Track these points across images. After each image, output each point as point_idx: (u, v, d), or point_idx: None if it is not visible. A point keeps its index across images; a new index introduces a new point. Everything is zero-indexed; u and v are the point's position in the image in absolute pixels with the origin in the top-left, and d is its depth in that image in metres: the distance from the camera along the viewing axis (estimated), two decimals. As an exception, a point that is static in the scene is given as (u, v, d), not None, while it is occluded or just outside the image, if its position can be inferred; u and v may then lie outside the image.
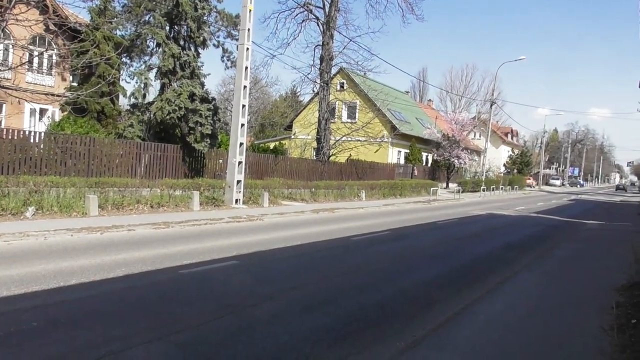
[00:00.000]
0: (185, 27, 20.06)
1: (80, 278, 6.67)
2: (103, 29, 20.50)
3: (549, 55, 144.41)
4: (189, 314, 5.53)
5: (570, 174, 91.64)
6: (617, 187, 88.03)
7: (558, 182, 77.15)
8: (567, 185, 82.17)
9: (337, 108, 34.43)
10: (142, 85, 19.40)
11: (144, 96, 19.79)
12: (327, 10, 26.46)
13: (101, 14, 20.65)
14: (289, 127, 42.49)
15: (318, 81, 27.50)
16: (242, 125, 17.13)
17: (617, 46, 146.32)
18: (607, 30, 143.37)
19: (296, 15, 26.92)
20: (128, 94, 20.74)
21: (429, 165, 43.47)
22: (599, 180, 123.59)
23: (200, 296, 6.38)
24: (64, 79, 22.22)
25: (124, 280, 6.79)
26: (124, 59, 22.31)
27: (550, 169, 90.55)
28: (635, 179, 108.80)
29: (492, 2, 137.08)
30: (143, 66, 20.65)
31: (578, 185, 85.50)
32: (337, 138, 29.65)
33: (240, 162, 16.98)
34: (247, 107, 17.51)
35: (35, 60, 19.25)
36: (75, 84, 22.00)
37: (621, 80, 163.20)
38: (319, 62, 26.97)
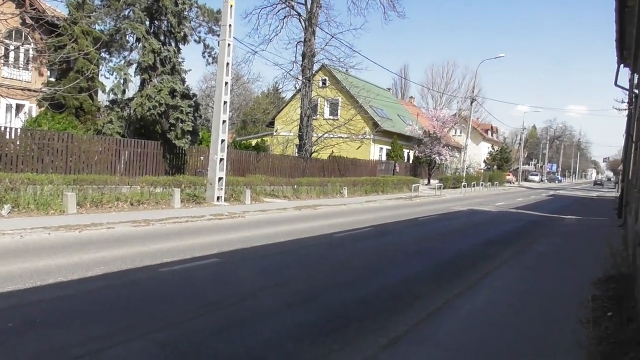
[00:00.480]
0: (165, 22, 19.80)
1: (58, 277, 6.55)
2: (81, 23, 20.12)
3: (528, 53, 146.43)
4: (169, 312, 5.48)
5: (548, 170, 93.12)
6: (595, 183, 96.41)
7: (537, 178, 78.36)
8: (546, 181, 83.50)
9: (319, 105, 34.42)
10: (122, 81, 19.06)
11: (124, 92, 19.47)
12: (309, 6, 26.38)
13: (79, 7, 20.24)
14: (271, 124, 42.34)
15: (300, 78, 27.43)
16: (224, 121, 17.00)
17: (594, 45, 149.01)
18: (585, 30, 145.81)
19: (278, 11, 26.82)
20: (107, 89, 20.34)
21: (411, 161, 43.73)
22: (577, 176, 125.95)
23: (181, 294, 6.32)
24: (41, 74, 21.78)
25: (102, 278, 6.69)
26: (103, 54, 21.92)
27: (529, 165, 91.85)
28: (611, 174, 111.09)
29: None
30: (123, 61, 20.29)
31: (556, 181, 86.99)
32: (320, 135, 29.64)
33: (221, 159, 16.86)
34: (228, 103, 17.39)
35: (12, 54, 18.80)
36: (52, 79, 21.56)
37: (598, 78, 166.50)
38: (301, 59, 26.90)
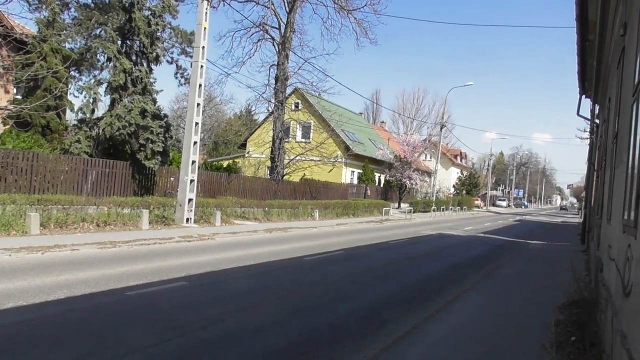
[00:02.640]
0: (138, 42, 19.71)
1: (18, 301, 6.31)
2: (51, 41, 19.81)
3: (496, 82, 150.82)
4: (134, 337, 5.33)
5: (515, 195, 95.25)
6: (561, 207, 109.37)
7: (504, 203, 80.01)
8: (513, 206, 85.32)
9: (291, 127, 34.57)
10: (91, 100, 18.80)
11: (93, 111, 19.18)
12: (282, 31, 26.71)
13: (49, 25, 19.97)
14: (243, 146, 42.23)
15: (273, 100, 27.57)
16: (195, 142, 16.89)
17: (559, 76, 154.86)
18: (550, 61, 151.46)
19: (252, 34, 27.07)
20: (76, 108, 19.98)
21: (382, 185, 44.15)
22: (542, 202, 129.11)
23: (147, 318, 6.17)
24: (7, 92, 21.26)
25: (65, 302, 6.47)
26: (72, 73, 21.63)
27: (497, 190, 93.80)
28: (574, 200, 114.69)
29: (441, 28, 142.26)
30: (93, 80, 20.05)
31: (523, 207, 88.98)
32: (292, 157, 29.70)
33: (192, 180, 16.70)
34: (200, 124, 17.31)
35: (-24, 71, 18.39)
36: (19, 97, 21.08)
37: (562, 108, 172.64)
38: (274, 82, 27.09)
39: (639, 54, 3.98)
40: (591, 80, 12.05)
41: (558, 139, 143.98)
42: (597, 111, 15.41)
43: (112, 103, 19.36)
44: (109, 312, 6.35)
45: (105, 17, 20.92)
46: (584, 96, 14.64)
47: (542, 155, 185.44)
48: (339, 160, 36.85)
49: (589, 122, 18.63)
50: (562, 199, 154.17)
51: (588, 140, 21.53)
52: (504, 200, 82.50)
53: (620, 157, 5.28)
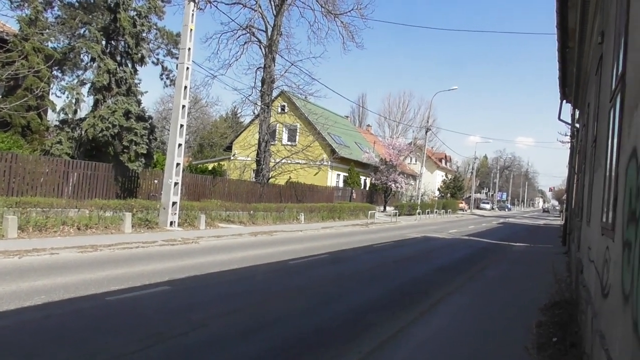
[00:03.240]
0: (123, 42, 19.54)
1: (-5, 306, 6.19)
2: (33, 40, 19.53)
3: (481, 86, 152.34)
4: (114, 344, 5.25)
5: (499, 198, 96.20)
6: (543, 210, 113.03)
7: (488, 206, 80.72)
8: (496, 209, 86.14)
9: (277, 130, 34.53)
10: (74, 101, 18.58)
11: (75, 112, 18.95)
12: (269, 33, 26.66)
13: (31, 24, 19.69)
14: (229, 148, 42.04)
15: (259, 103, 27.50)
16: (180, 145, 16.77)
17: (541, 81, 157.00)
18: (533, 66, 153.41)
19: (238, 37, 26.95)
20: (58, 109, 19.74)
21: (367, 188, 44.26)
22: (525, 205, 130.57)
23: (128, 324, 6.08)
24: (-14, 91, 20.92)
25: (43, 308, 6.35)
26: (55, 72, 21.35)
27: (480, 193, 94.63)
28: (556, 203, 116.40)
29: (426, 33, 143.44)
30: (76, 81, 19.84)
31: (506, 209, 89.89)
32: (277, 160, 29.64)
33: (176, 183, 16.57)
34: (185, 126, 17.19)
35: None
36: (-1, 97, 20.74)
37: (544, 112, 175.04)
38: (260, 84, 27.02)
39: (616, 61, 4.05)
40: (571, 86, 12.24)
41: (540, 143, 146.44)
42: (577, 116, 15.65)
43: (96, 104, 19.16)
44: (89, 318, 6.25)
45: (90, 16, 20.71)
46: (564, 101, 14.86)
47: (525, 158, 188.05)
48: (325, 163, 36.90)
49: (570, 127, 18.90)
50: (544, 202, 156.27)
51: (569, 144, 21.85)
52: (487, 203, 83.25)
53: (599, 161, 5.36)
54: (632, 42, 3.17)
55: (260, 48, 27.31)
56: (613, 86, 4.11)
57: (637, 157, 2.63)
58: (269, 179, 28.04)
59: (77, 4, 21.35)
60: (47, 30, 21.00)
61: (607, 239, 3.92)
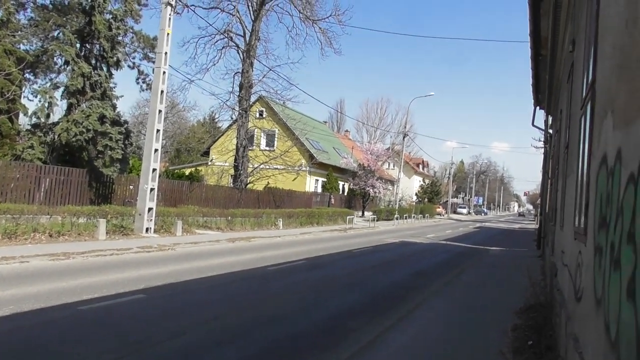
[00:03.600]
0: (98, 45, 19.25)
1: (-39, 317, 5.99)
2: (4, 41, 19.13)
3: (457, 92, 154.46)
4: (87, 355, 5.13)
5: (475, 202, 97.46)
6: (519, 214, 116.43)
7: (465, 211, 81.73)
8: (473, 213, 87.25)
9: (255, 136, 34.37)
10: (47, 104, 18.19)
11: (48, 116, 18.56)
12: (247, 38, 26.61)
13: (3, 26, 19.28)
14: (206, 154, 41.69)
15: (237, 108, 27.36)
16: (156, 150, 16.56)
17: (516, 88, 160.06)
18: (507, 74, 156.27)
19: (216, 41, 26.82)
20: (30, 112, 19.33)
21: (346, 194, 44.36)
22: (501, 209, 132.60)
23: (101, 334, 5.95)
24: (-46, 94, 20.36)
25: (11, 319, 6.15)
26: (27, 75, 20.93)
27: (457, 198, 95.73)
28: (531, 207, 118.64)
29: (403, 40, 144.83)
30: (49, 84, 19.47)
31: (482, 214, 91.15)
32: (256, 166, 29.51)
33: (152, 189, 16.34)
34: (161, 131, 17.00)
35: None
36: (-32, 100, 20.21)
37: (519, 118, 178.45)
38: (238, 89, 26.91)
39: (586, 69, 4.14)
40: (544, 92, 12.50)
41: (515, 148, 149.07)
42: (550, 122, 15.98)
43: (69, 108, 18.81)
44: (61, 329, 6.09)
45: (64, 19, 20.37)
46: (538, 107, 15.16)
47: (501, 163, 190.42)
48: (303, 168, 36.86)
49: (543, 132, 19.27)
50: (519, 206, 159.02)
51: (543, 150, 22.27)
52: (464, 207, 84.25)
53: (571, 167, 5.47)
54: (601, 51, 3.24)
55: (238, 53, 27.27)
56: (584, 94, 4.20)
57: (608, 164, 2.68)
58: (247, 184, 27.89)
59: (50, 6, 21.00)
60: (19, 33, 20.59)
61: (580, 243, 3.99)
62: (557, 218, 8.52)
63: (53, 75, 20.33)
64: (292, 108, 35.54)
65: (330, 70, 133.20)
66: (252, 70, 26.90)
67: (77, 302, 7.20)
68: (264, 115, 37.14)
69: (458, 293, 10.53)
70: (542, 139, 22.38)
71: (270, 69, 27.12)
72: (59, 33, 20.35)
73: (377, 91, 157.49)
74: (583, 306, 3.53)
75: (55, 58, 19.78)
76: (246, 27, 26.74)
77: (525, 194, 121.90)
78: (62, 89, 18.85)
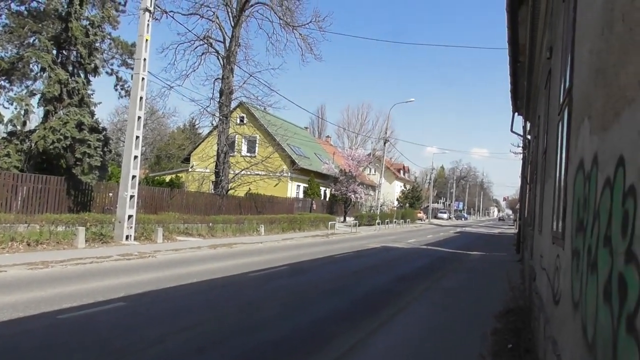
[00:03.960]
0: (75, 52, 18.98)
1: None
2: (-22, 48, 18.76)
3: (437, 98, 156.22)
4: (66, 364, 5.04)
5: (455, 208, 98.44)
6: (499, 219, 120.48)
7: (445, 216, 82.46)
8: (453, 218, 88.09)
9: (236, 142, 34.27)
10: (23, 112, 17.86)
11: (24, 124, 18.23)
12: (227, 44, 26.54)
13: (-23, 33, 18.92)
14: (187, 160, 41.39)
15: (217, 114, 27.24)
16: (136, 157, 16.39)
17: (495, 94, 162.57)
18: (487, 80, 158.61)
19: (196, 47, 26.69)
20: (5, 120, 18.93)
21: (327, 199, 44.44)
22: (481, 214, 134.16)
23: (81, 343, 5.85)
24: None
25: (-11, 329, 6.04)
26: (2, 83, 20.49)
27: (438, 203, 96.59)
28: (510, 212, 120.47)
29: (382, 46, 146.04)
30: (25, 91, 19.08)
31: (463, 219, 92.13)
32: (237, 172, 29.39)
33: (132, 196, 16.15)
34: (141, 138, 16.83)
35: None
36: (-60, 107, 19.71)
37: (498, 124, 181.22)
38: (218, 95, 26.79)
39: (563, 76, 4.24)
40: (523, 98, 12.73)
41: (495, 154, 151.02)
42: (528, 128, 16.26)
43: (46, 115, 18.50)
44: (40, 338, 5.97)
45: (40, 25, 20.03)
46: (516, 113, 15.42)
47: (480, 169, 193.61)
48: (285, 174, 36.82)
49: (522, 138, 19.60)
50: (499, 211, 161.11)
51: (521, 155, 22.64)
52: (445, 212, 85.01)
53: (549, 172, 5.58)
54: (578, 58, 3.32)
55: (218, 59, 27.15)
56: (561, 100, 4.30)
57: (584, 169, 2.75)
58: (228, 190, 27.75)
59: (26, 12, 20.62)
60: (-7, 39, 20.19)
61: (558, 247, 4.06)
62: (535, 223, 8.67)
63: (29, 83, 19.95)
64: (273, 114, 35.51)
65: (311, 76, 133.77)
66: (233, 76, 26.84)
67: (56, 311, 7.07)
68: (244, 121, 37.05)
69: (439, 298, 10.62)
70: (521, 145, 22.77)
71: (251, 75, 27.11)
72: (34, 40, 20.02)
73: (358, 97, 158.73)
74: (561, 309, 3.59)
75: (31, 65, 19.42)
76: (226, 33, 26.71)
77: (504, 199, 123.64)
78: (38, 96, 18.54)
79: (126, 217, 15.93)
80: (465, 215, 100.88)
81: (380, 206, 47.43)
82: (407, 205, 63.61)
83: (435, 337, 7.23)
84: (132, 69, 18.26)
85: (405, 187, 72.72)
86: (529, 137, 16.27)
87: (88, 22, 19.01)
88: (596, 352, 2.13)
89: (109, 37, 21.57)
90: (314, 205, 38.95)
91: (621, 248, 1.81)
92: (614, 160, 1.99)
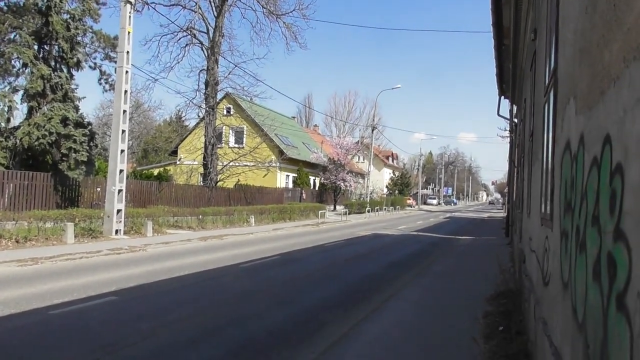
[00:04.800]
0: (56, 47, 18.69)
1: None
2: (-43, 45, 18.40)
3: (423, 84, 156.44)
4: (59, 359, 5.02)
5: (445, 193, 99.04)
6: (489, 202, 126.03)
7: (435, 202, 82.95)
8: (443, 204, 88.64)
9: (224, 133, 34.08)
10: (6, 109, 17.62)
11: (8, 120, 17.98)
12: (211, 35, 26.28)
13: (-45, 29, 18.55)
14: (174, 153, 41.09)
15: (203, 106, 27.04)
16: (122, 151, 16.24)
17: (481, 78, 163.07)
18: (472, 63, 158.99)
19: (179, 39, 26.39)
20: (-11, 117, 18.65)
21: (317, 188, 44.45)
22: (470, 199, 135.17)
23: (72, 338, 5.82)
24: None
25: (-21, 327, 5.98)
26: (-17, 79, 20.18)
27: (427, 189, 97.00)
28: (499, 196, 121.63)
29: (368, 32, 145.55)
30: (7, 88, 18.81)
31: (452, 204, 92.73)
32: (225, 163, 29.26)
33: (120, 190, 16.03)
34: (127, 132, 16.66)
35: None
36: None
37: (484, 108, 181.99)
38: (204, 87, 26.58)
39: (548, 57, 4.25)
40: (508, 82, 12.77)
41: (482, 138, 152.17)
42: (515, 111, 16.33)
43: (30, 111, 18.25)
44: (31, 335, 5.94)
45: (20, 20, 19.71)
46: (502, 97, 15.47)
47: (468, 153, 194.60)
48: (273, 164, 36.75)
49: (509, 122, 19.68)
50: (487, 195, 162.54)
51: (508, 139, 22.75)
52: (434, 198, 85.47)
53: (536, 155, 5.61)
54: (562, 38, 3.32)
55: (202, 50, 26.89)
56: (546, 81, 4.31)
57: (571, 150, 2.76)
58: (217, 182, 27.64)
59: (5, 8, 20.27)
60: (-27, 35, 19.82)
61: (546, 229, 4.09)
62: (524, 205, 8.74)
63: (11, 79, 19.68)
64: (260, 104, 35.40)
65: (297, 65, 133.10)
66: (218, 67, 26.62)
67: (47, 306, 7.03)
68: (231, 112, 36.84)
69: (430, 283, 10.71)
70: (508, 128, 22.87)
71: (236, 66, 26.90)
72: (15, 35, 19.68)
73: (345, 84, 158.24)
74: (551, 290, 3.62)
75: (12, 61, 19.15)
76: (209, 23, 26.43)
77: (493, 183, 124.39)
78: (21, 92, 18.29)
79: (115, 211, 15.82)
80: (455, 200, 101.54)
81: (370, 194, 47.56)
82: (397, 192, 63.82)
83: (427, 321, 7.29)
84: (116, 62, 18.03)
85: (394, 174, 72.92)
86: (515, 120, 16.34)
87: (69, 16, 18.71)
88: (586, 331, 2.15)
89: (90, 30, 21.29)
90: (304, 195, 38.95)
91: (609, 227, 1.82)
92: (601, 139, 2.00)
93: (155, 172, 31.47)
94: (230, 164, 29.58)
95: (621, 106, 1.72)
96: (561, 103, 3.27)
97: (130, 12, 16.40)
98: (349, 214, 35.14)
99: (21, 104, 18.45)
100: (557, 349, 3.07)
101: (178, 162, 37.25)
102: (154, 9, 24.18)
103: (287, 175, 41.69)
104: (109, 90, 24.32)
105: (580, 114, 2.48)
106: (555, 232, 3.46)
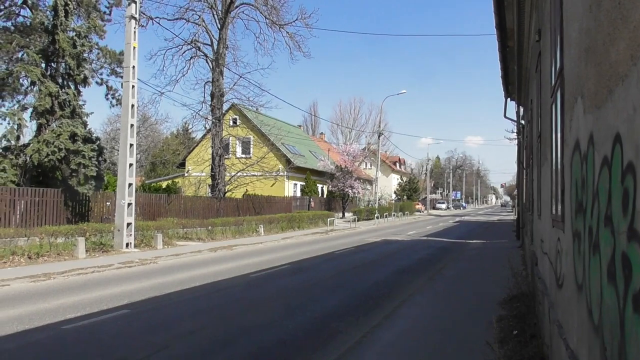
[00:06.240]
0: (63, 64, 18.90)
1: (-61, 347, 5.81)
2: (-33, 66, 18.66)
3: (429, 88, 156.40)
4: (73, 375, 5.02)
5: (453, 197, 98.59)
6: (501, 205, 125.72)
7: (444, 206, 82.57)
8: (452, 208, 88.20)
9: (230, 144, 34.21)
10: (16, 127, 17.80)
11: (18, 138, 18.15)
12: (215, 47, 26.45)
13: (-36, 50, 18.81)
14: (182, 165, 41.29)
15: (210, 117, 27.16)
16: (131, 165, 16.34)
17: (487, 80, 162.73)
18: (478, 67, 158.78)
19: (184, 52, 26.58)
20: (-1, 136, 18.85)
21: (325, 196, 44.41)
22: (479, 202, 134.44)
23: (86, 352, 5.84)
24: None
25: (-6, 344, 6.02)
26: (-7, 98, 20.39)
27: (436, 193, 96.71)
28: (508, 198, 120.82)
29: (372, 39, 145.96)
30: (17, 106, 18.99)
31: (461, 208, 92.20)
32: (233, 174, 29.33)
33: (129, 204, 16.11)
34: (135, 146, 16.77)
35: None
36: None
37: (491, 110, 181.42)
38: (209, 99, 26.72)
39: (554, 57, 4.23)
40: (514, 83, 12.74)
41: (489, 141, 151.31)
42: (522, 112, 16.27)
43: (39, 128, 18.43)
44: (45, 349, 5.96)
45: (27, 39, 19.93)
46: (509, 99, 15.42)
47: (476, 157, 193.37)
48: (281, 173, 36.79)
49: (516, 123, 19.61)
50: (497, 198, 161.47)
51: (516, 141, 22.65)
52: (443, 203, 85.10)
53: (545, 156, 5.57)
54: (567, 38, 3.31)
55: (207, 62, 27.05)
56: (553, 82, 4.29)
57: (581, 150, 2.74)
58: (226, 193, 27.70)
59: (12, 27, 20.52)
60: (-19, 56, 20.08)
61: (558, 230, 4.06)
62: (534, 207, 8.67)
63: (20, 97, 19.85)
64: (266, 114, 35.44)
65: (302, 74, 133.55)
66: (223, 79, 26.76)
67: (60, 321, 7.06)
68: (237, 123, 36.99)
69: (442, 288, 10.63)
70: (515, 130, 22.79)
71: (241, 76, 27.15)
72: (23, 54, 19.91)
73: (350, 92, 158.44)
74: (565, 292, 3.58)
75: (21, 79, 19.33)
76: (213, 35, 26.61)
77: (502, 186, 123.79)
78: (30, 109, 18.48)
79: (125, 225, 15.89)
80: (464, 204, 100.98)
81: (378, 200, 47.45)
82: (405, 197, 63.62)
83: (441, 327, 7.23)
84: (122, 77, 18.17)
85: (402, 180, 72.73)
86: (522, 121, 16.28)
87: (75, 33, 18.91)
88: (603, 333, 2.12)
89: (96, 46, 21.47)
90: (312, 203, 38.93)
91: (623, 227, 1.80)
92: (611, 138, 1.98)
93: (164, 184, 31.61)
94: (238, 174, 29.65)
95: (630, 104, 1.71)
96: (569, 103, 3.25)
97: (135, 28, 16.57)
98: (358, 220, 35.05)
99: (30, 121, 18.64)
100: (573, 352, 3.03)
101: (186, 174, 37.44)
102: (158, 23, 24.43)
103: (295, 184, 41.72)
104: (116, 105, 24.48)
105: (589, 113, 2.46)
106: (567, 234, 3.43)
